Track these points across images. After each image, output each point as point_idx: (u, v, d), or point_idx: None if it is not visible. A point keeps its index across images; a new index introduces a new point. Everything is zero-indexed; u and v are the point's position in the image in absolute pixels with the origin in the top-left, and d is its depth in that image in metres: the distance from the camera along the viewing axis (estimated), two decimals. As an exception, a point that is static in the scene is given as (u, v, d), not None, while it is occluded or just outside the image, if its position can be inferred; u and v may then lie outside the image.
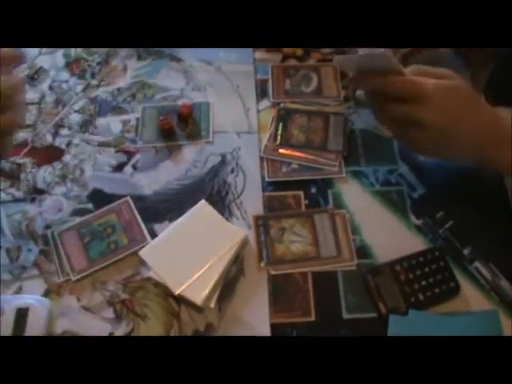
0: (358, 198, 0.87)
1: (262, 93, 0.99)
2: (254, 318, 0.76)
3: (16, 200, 0.87)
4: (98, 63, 1.04)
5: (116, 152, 0.93)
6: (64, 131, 0.95)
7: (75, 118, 0.97)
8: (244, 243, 0.81)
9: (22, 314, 0.75)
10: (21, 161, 0.92)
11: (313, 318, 0.77)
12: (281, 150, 0.91)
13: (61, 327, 0.77)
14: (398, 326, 0.73)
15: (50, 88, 1.00)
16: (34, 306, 0.76)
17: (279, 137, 0.92)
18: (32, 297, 0.78)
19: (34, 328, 0.74)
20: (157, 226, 0.84)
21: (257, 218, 0.85)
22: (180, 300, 0.77)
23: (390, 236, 0.83)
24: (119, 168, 0.91)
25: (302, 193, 0.87)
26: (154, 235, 0.82)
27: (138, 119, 0.96)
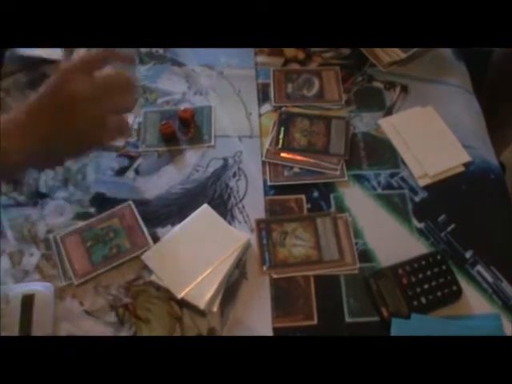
0: (360, 202, 0.87)
1: (263, 97, 0.99)
2: (257, 321, 0.76)
3: (18, 204, 0.87)
4: (100, 67, 1.04)
5: (118, 156, 0.93)
6: (66, 135, 0.95)
7: (77, 122, 0.97)
8: (246, 247, 0.81)
9: (27, 300, 0.75)
10: (23, 165, 0.92)
11: (315, 322, 0.77)
12: (283, 154, 0.91)
13: (63, 331, 0.76)
14: (400, 330, 0.73)
15: (52, 92, 1.01)
16: (40, 291, 0.76)
17: (281, 141, 0.93)
18: (35, 283, 0.79)
19: (42, 312, 0.75)
20: (159, 230, 0.84)
21: (259, 222, 0.85)
22: (182, 304, 0.77)
23: (392, 239, 0.83)
24: (121, 172, 0.91)
25: (304, 197, 0.87)
26: (156, 239, 0.82)
27: (139, 123, 0.96)
